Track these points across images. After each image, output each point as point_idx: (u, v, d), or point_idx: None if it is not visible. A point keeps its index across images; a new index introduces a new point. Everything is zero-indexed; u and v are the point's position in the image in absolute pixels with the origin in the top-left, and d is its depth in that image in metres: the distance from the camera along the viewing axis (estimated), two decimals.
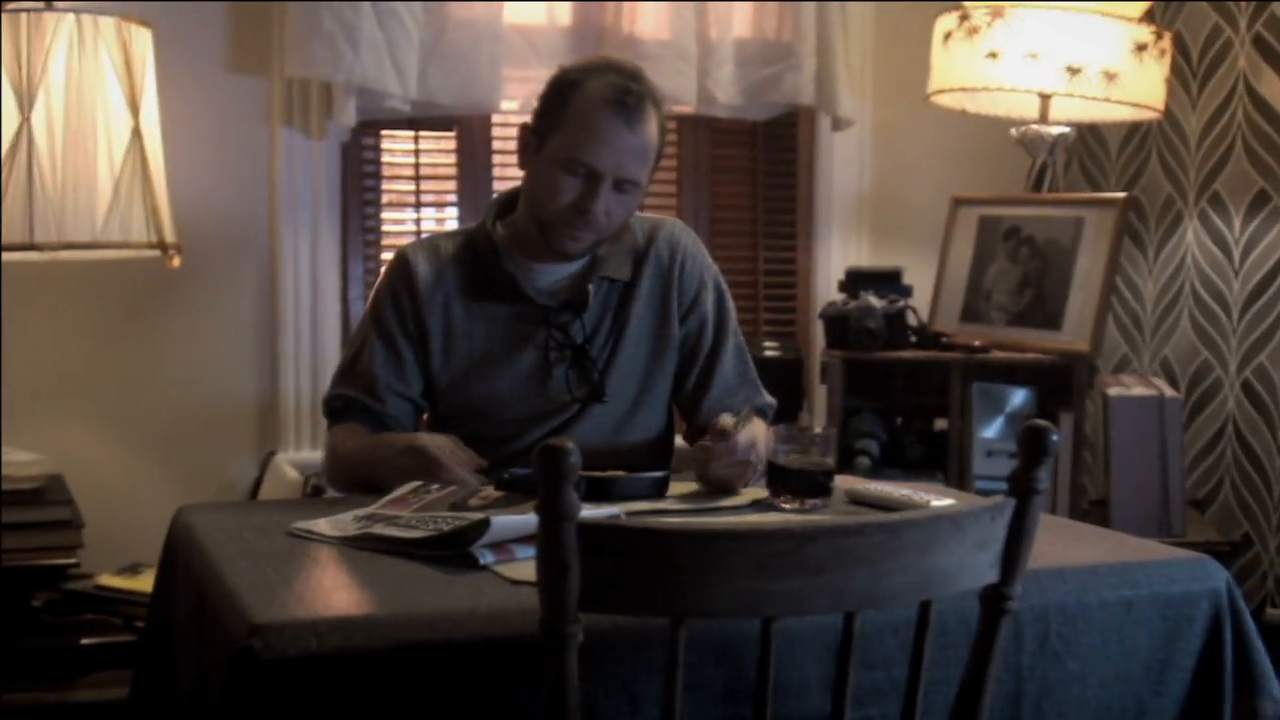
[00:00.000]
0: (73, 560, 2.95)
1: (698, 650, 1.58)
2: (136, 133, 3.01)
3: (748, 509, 2.15)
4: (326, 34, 3.36)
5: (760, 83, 3.82)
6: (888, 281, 3.65)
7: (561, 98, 2.37)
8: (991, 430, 3.46)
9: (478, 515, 1.83)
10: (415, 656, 1.50)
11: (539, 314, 2.46)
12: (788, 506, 2.14)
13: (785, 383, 3.60)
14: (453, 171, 3.83)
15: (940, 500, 2.13)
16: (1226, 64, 3.75)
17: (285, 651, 1.47)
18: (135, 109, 3.01)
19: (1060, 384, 3.47)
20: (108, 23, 2.98)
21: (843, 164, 4.04)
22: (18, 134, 2.90)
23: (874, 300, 3.49)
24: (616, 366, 2.49)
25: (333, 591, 1.65)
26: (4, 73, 2.91)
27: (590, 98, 2.34)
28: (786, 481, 2.16)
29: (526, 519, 1.74)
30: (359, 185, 3.75)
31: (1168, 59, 3.51)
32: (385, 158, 3.81)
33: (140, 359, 3.48)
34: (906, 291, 3.62)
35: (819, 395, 3.79)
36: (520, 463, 2.24)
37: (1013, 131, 3.67)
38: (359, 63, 3.39)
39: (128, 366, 3.48)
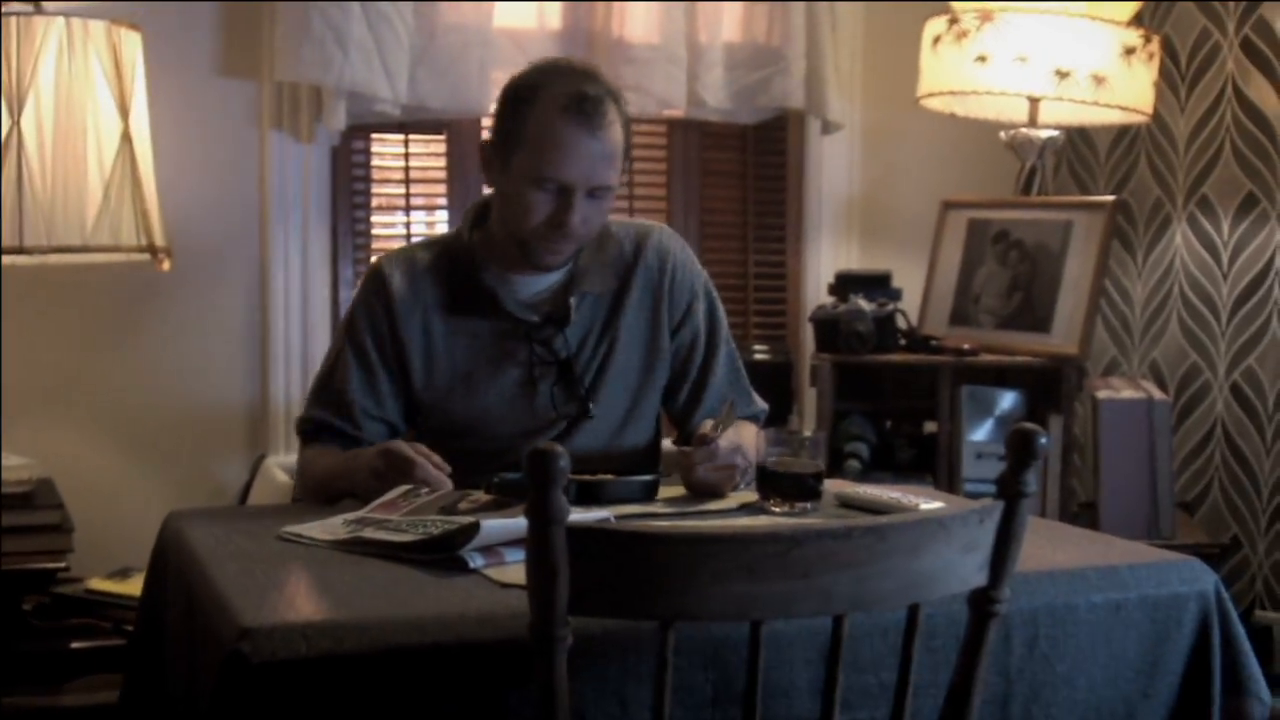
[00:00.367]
0: (63, 564, 2.94)
1: (687, 653, 1.58)
2: (126, 136, 3.01)
3: (737, 512, 2.16)
4: (316, 37, 3.36)
5: (750, 86, 3.83)
6: (877, 285, 3.65)
7: (519, 113, 2.30)
8: (981, 433, 3.46)
9: (467, 519, 1.83)
10: (405, 660, 1.50)
11: (521, 329, 2.41)
12: (777, 510, 2.14)
13: (775, 386, 3.60)
14: (443, 175, 3.83)
15: (929, 503, 2.13)
16: (1215, 67, 3.76)
17: (275, 655, 1.47)
18: (125, 112, 3.01)
19: (1049, 387, 3.47)
20: (97, 26, 2.98)
21: (832, 167, 4.04)
22: (7, 137, 2.90)
23: (864, 303, 3.49)
24: (606, 381, 2.45)
25: (322, 595, 1.65)
26: None
27: (548, 110, 2.27)
28: (776, 485, 2.16)
29: (516, 522, 1.74)
30: (349, 189, 3.75)
31: (1156, 62, 3.52)
32: (375, 161, 3.81)
33: (130, 362, 3.48)
34: (896, 295, 3.62)
35: (809, 398, 3.80)
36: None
37: (1002, 135, 3.68)
38: (349, 66, 3.39)
39: (118, 370, 3.47)
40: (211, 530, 2.01)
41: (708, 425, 2.23)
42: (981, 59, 3.45)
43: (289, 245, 3.57)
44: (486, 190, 2.51)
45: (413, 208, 3.84)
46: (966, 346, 3.50)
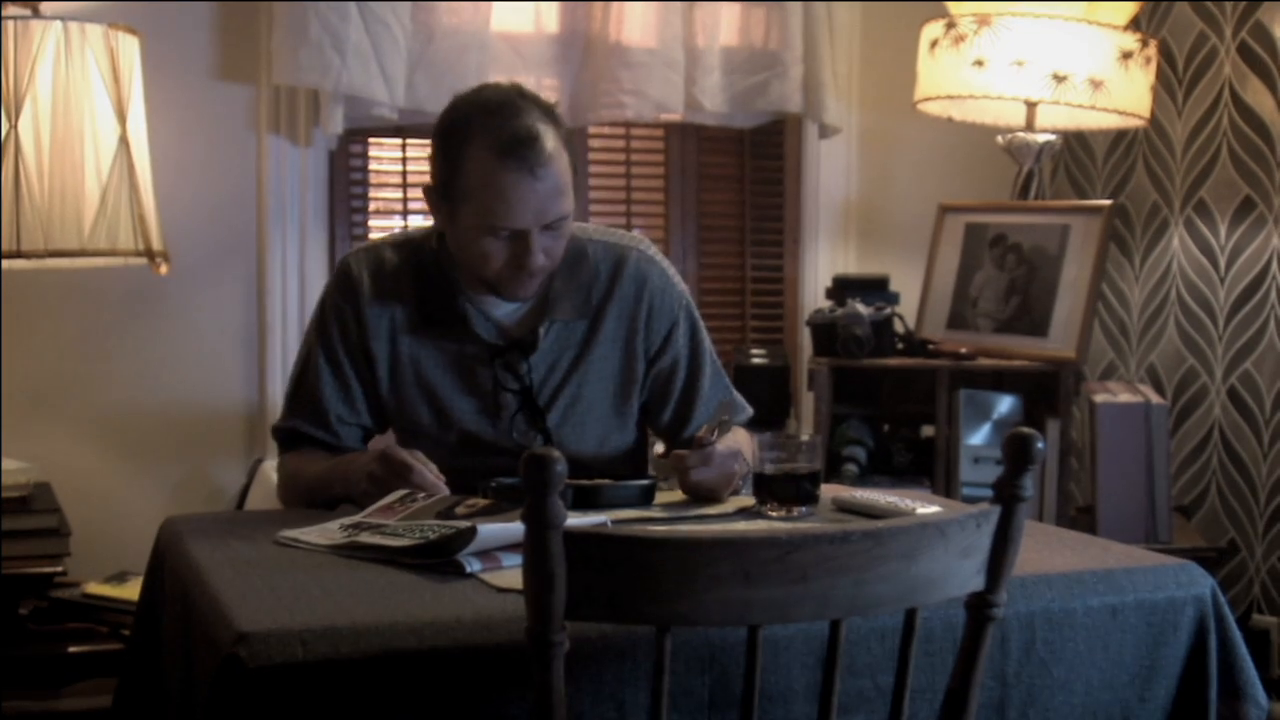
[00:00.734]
0: (59, 568, 2.94)
1: (684, 658, 1.58)
2: (123, 140, 3.01)
3: (734, 517, 2.15)
4: (314, 42, 3.37)
5: (747, 90, 3.83)
6: (875, 289, 3.66)
7: (454, 163, 2.22)
8: (978, 437, 3.46)
9: (464, 523, 1.83)
10: (402, 665, 1.50)
11: (485, 354, 2.35)
12: (774, 514, 2.14)
13: (772, 390, 3.61)
14: None
15: (926, 507, 2.13)
16: (1212, 71, 3.76)
17: (271, 660, 1.47)
18: (122, 117, 3.01)
19: (1047, 391, 3.47)
20: (95, 30, 2.98)
21: (829, 171, 4.05)
22: (5, 141, 2.90)
23: (861, 307, 3.49)
24: (576, 412, 2.39)
25: (319, 600, 1.65)
26: None
27: (484, 159, 2.18)
28: (773, 489, 2.16)
29: (513, 527, 1.74)
30: (346, 193, 3.75)
31: (1153, 66, 3.52)
32: (372, 165, 3.81)
33: (128, 366, 3.48)
34: (893, 299, 3.62)
35: (806, 402, 3.80)
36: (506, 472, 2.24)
37: (999, 139, 3.68)
38: (346, 70, 3.39)
39: (115, 374, 3.47)
40: (208, 535, 2.01)
41: (704, 430, 2.22)
42: (979, 63, 3.45)
43: (286, 249, 3.58)
44: None
45: (410, 212, 3.85)
46: (964, 350, 3.50)
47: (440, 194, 2.27)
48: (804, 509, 2.15)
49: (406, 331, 2.36)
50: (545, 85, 3.71)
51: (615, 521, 1.97)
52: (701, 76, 3.75)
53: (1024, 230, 3.62)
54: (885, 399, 3.66)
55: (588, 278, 2.38)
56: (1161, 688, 1.87)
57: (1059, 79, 3.41)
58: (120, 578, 3.07)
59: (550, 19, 3.71)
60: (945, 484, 3.45)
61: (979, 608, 1.58)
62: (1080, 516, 3.57)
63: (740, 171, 4.11)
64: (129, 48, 3.06)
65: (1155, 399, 3.42)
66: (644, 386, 2.45)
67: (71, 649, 2.93)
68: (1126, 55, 3.44)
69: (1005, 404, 3.49)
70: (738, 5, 3.84)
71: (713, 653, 1.61)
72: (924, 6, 3.73)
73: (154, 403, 3.50)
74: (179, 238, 3.32)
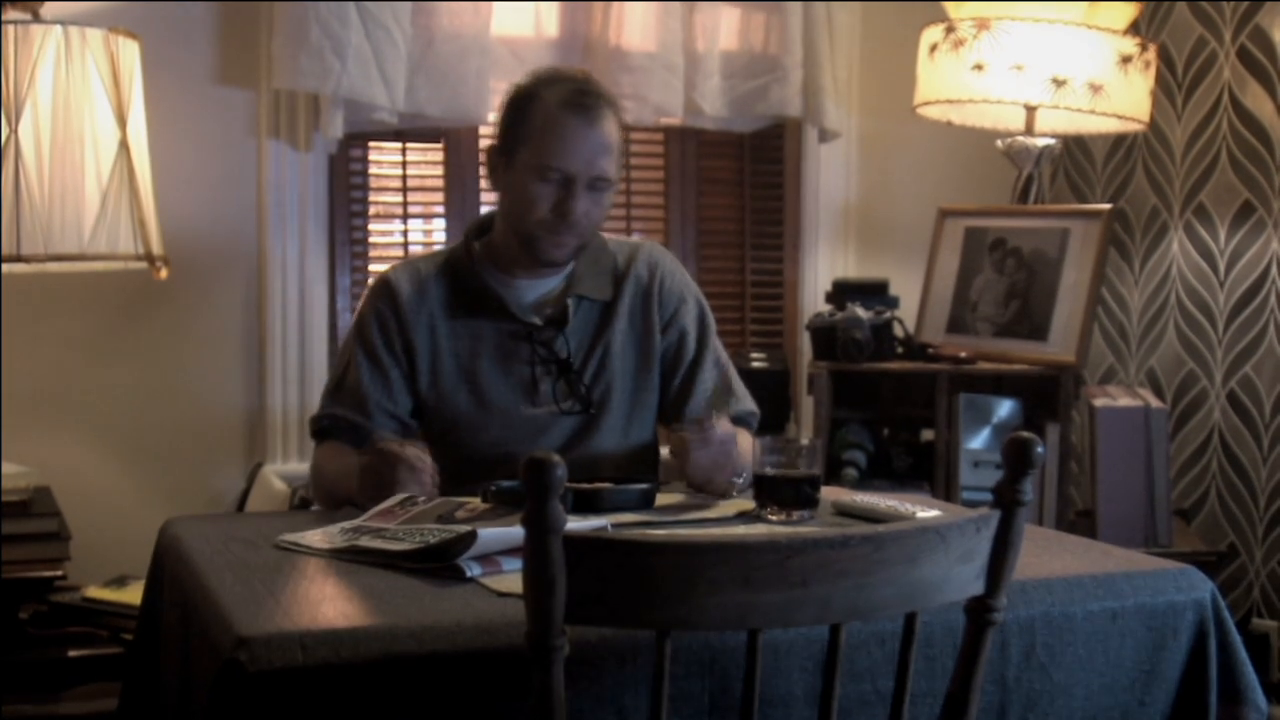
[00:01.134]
0: (59, 572, 2.94)
1: (684, 662, 1.58)
2: (124, 144, 3.01)
3: (734, 521, 2.16)
4: (314, 46, 3.37)
5: (747, 95, 3.83)
6: (874, 293, 3.66)
7: (520, 113, 2.42)
8: (978, 441, 3.46)
9: (465, 527, 1.83)
10: (402, 669, 1.50)
11: (523, 330, 2.49)
12: (774, 518, 2.14)
13: (772, 394, 3.61)
14: (440, 183, 3.83)
15: (926, 511, 2.13)
16: (1211, 76, 3.76)
17: (271, 664, 1.47)
18: (122, 121, 3.01)
19: (1046, 395, 3.47)
20: (95, 34, 2.98)
21: (829, 176, 4.05)
22: (5, 146, 2.90)
23: (861, 311, 3.50)
24: (603, 382, 2.51)
25: (319, 604, 1.65)
26: None
27: (548, 105, 2.39)
28: (773, 493, 2.16)
29: (513, 531, 1.74)
30: (346, 197, 3.75)
31: (1153, 71, 3.52)
32: (372, 169, 3.81)
33: (127, 370, 3.48)
34: (893, 303, 3.63)
35: (806, 406, 3.80)
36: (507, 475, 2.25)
37: (998, 143, 3.68)
38: (346, 75, 3.39)
39: (115, 378, 3.47)
40: (208, 538, 2.01)
41: (703, 411, 2.26)
42: (978, 67, 3.46)
43: (286, 253, 3.58)
44: (484, 208, 2.51)
45: (410, 216, 3.85)
46: (963, 354, 3.50)
47: (500, 149, 2.46)
48: (804, 513, 2.15)
49: (443, 320, 2.49)
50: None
51: (615, 526, 1.97)
52: (701, 80, 3.75)
53: (1024, 234, 3.62)
54: (885, 403, 3.66)
55: (608, 263, 2.56)
56: (1161, 692, 1.87)
57: (1058, 83, 3.41)
58: (120, 582, 3.07)
59: (550, 23, 3.72)
60: (945, 488, 3.45)
61: (979, 612, 1.58)
62: (1080, 521, 3.57)
63: (740, 175, 4.11)
64: (129, 52, 3.07)
65: (1155, 403, 3.42)
66: (660, 359, 2.57)
67: (71, 653, 2.93)
68: (1126, 59, 3.44)
69: (1005, 408, 3.49)
70: (737, 9, 3.85)
71: (713, 657, 1.61)
72: (924, 10, 3.74)
73: (154, 407, 3.50)
74: (179, 242, 3.32)
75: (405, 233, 3.84)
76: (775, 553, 1.42)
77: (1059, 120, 3.66)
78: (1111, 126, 3.65)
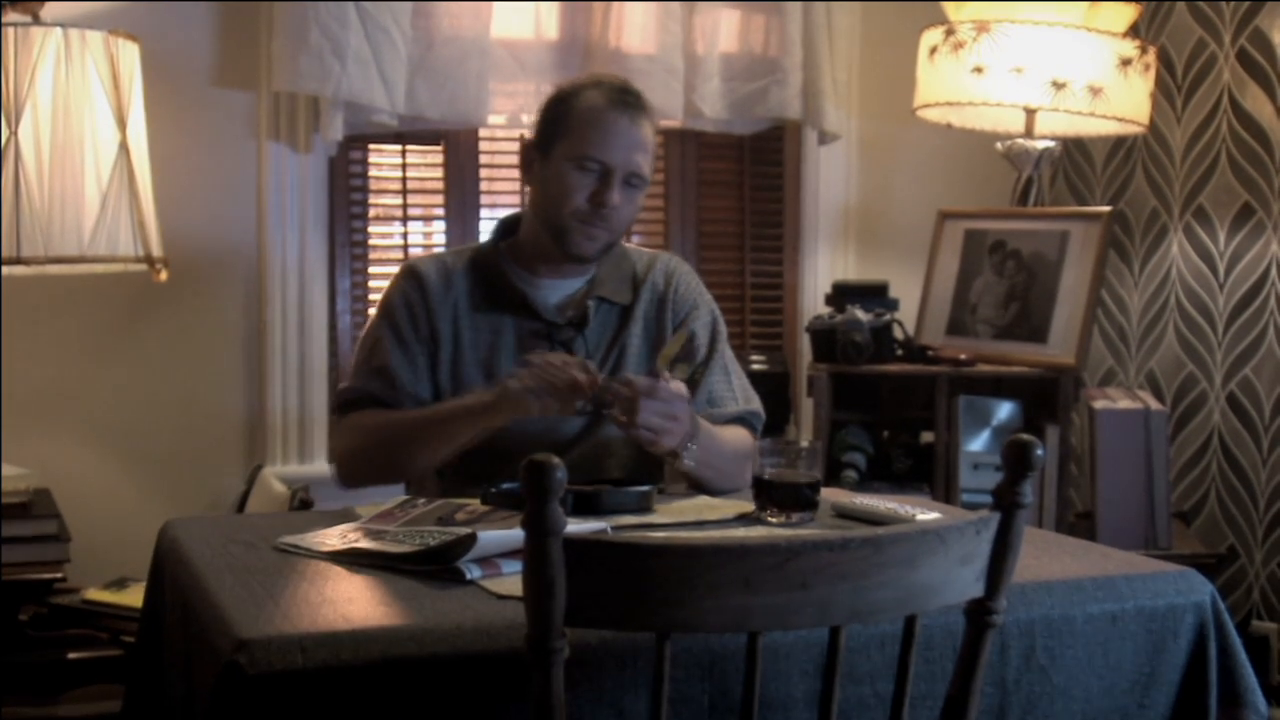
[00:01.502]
0: (59, 574, 2.94)
1: (684, 665, 1.58)
2: (123, 147, 3.01)
3: (734, 523, 2.16)
4: (314, 48, 3.37)
5: (746, 97, 3.83)
6: (874, 295, 3.66)
7: (563, 106, 2.49)
8: (977, 443, 3.46)
9: (464, 530, 1.84)
10: (401, 671, 1.50)
11: (543, 329, 2.53)
12: (774, 520, 2.14)
13: (772, 396, 3.60)
14: (440, 185, 3.83)
15: (926, 514, 2.13)
16: (1211, 78, 3.76)
17: (271, 667, 1.47)
18: (122, 123, 3.02)
19: (1046, 397, 3.47)
20: (95, 37, 2.98)
21: (829, 178, 4.05)
22: (5, 147, 2.90)
23: (860, 314, 3.50)
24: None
25: (319, 606, 1.65)
26: None
27: (592, 99, 2.46)
28: (773, 495, 2.16)
29: (513, 534, 1.74)
30: (346, 199, 3.75)
31: (1152, 73, 3.52)
32: (372, 171, 3.81)
33: (127, 372, 3.48)
34: (893, 305, 3.63)
35: (805, 409, 3.80)
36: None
37: (998, 145, 3.68)
38: (346, 77, 3.39)
39: (115, 380, 3.47)
40: (208, 540, 2.01)
41: (660, 360, 2.30)
42: (978, 70, 3.46)
43: (286, 255, 3.58)
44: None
45: (410, 218, 3.85)
46: (963, 356, 3.50)
47: (537, 144, 2.52)
48: (803, 515, 2.15)
49: (468, 314, 2.53)
50: (545, 91, 3.69)
51: (615, 528, 1.97)
52: (701, 83, 3.75)
53: (1023, 236, 3.63)
54: (885, 405, 3.66)
55: (628, 269, 2.61)
56: (1161, 694, 1.87)
57: (1058, 86, 3.41)
58: (120, 584, 3.07)
59: (550, 25, 3.72)
60: (945, 490, 3.45)
61: (978, 614, 1.58)
62: (1079, 523, 3.57)
63: (739, 178, 4.11)
64: (129, 54, 3.07)
65: (1154, 405, 3.42)
66: None
67: (71, 655, 2.93)
68: (1125, 62, 3.44)
69: (1004, 410, 3.49)
70: (737, 11, 3.85)
71: (713, 659, 1.61)
72: (923, 13, 3.74)
73: (154, 409, 3.50)
74: (179, 244, 3.32)
75: (405, 235, 3.84)
76: (775, 555, 1.42)
77: (1059, 123, 3.66)
78: (1111, 129, 3.65)
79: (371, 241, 3.79)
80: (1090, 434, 3.47)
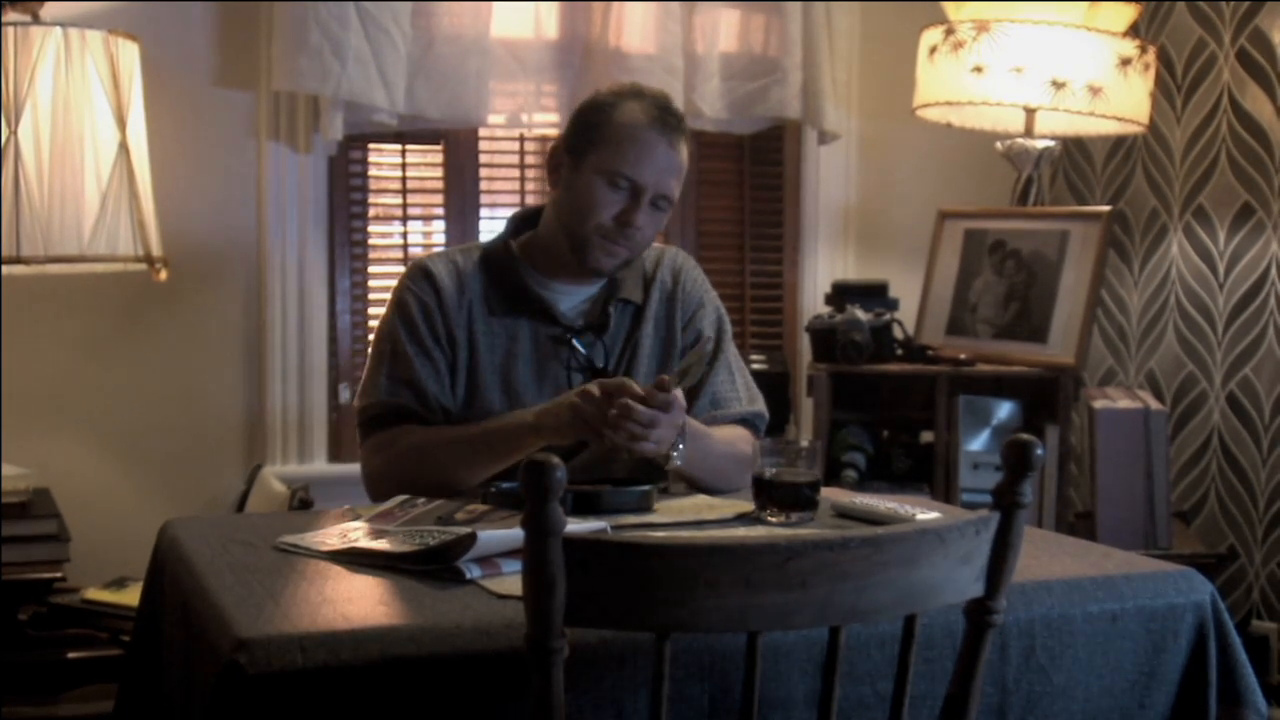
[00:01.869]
0: (59, 574, 2.94)
1: (684, 665, 1.58)
2: (123, 146, 3.01)
3: (734, 523, 2.16)
4: (314, 48, 3.37)
5: (746, 96, 3.83)
6: (874, 294, 3.66)
7: (601, 115, 2.42)
8: (977, 443, 3.46)
9: (464, 529, 1.83)
10: (401, 671, 1.50)
11: (560, 334, 2.47)
12: (773, 520, 2.14)
13: (772, 396, 3.59)
14: (440, 185, 3.83)
15: (926, 513, 2.13)
16: (1211, 77, 3.76)
17: (271, 666, 1.47)
18: (122, 122, 3.02)
19: (1046, 397, 3.48)
20: (95, 36, 2.98)
21: (829, 177, 4.05)
22: (5, 147, 2.90)
23: (860, 313, 3.50)
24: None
25: (319, 606, 1.65)
26: None
27: (633, 115, 2.40)
28: (772, 495, 2.16)
29: (512, 533, 1.74)
30: (346, 199, 3.75)
31: (1152, 73, 3.52)
32: (372, 171, 3.81)
33: (127, 372, 3.48)
34: (893, 304, 3.63)
35: (805, 408, 3.80)
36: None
37: (998, 145, 3.68)
38: (346, 76, 3.39)
39: (115, 380, 3.47)
40: (207, 540, 2.00)
41: (676, 376, 2.24)
42: (978, 69, 3.46)
43: (286, 255, 3.58)
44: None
45: (410, 218, 3.85)
46: (963, 356, 3.51)
47: (569, 147, 2.45)
48: (803, 515, 2.15)
49: (482, 319, 2.46)
50: (545, 91, 3.72)
51: (615, 527, 1.97)
52: (701, 82, 3.75)
53: (1023, 236, 3.63)
54: (884, 405, 3.66)
55: (639, 267, 2.56)
56: (1161, 694, 1.87)
57: (1058, 85, 3.41)
58: (120, 583, 3.07)
59: (550, 25, 3.72)
60: (944, 490, 3.45)
61: (978, 614, 1.58)
62: (1079, 522, 3.57)
63: (739, 177, 4.11)
64: (129, 54, 3.07)
65: (1154, 405, 3.42)
66: (679, 357, 2.55)
67: (71, 655, 2.94)
68: (1125, 61, 3.44)
69: (1004, 410, 3.49)
70: (737, 11, 3.85)
71: (712, 659, 1.61)
72: (923, 12, 3.74)
73: (154, 409, 3.50)
74: (178, 244, 3.32)
75: (405, 234, 3.84)
76: (775, 555, 1.42)
77: (1058, 122, 3.66)
78: (1111, 128, 3.65)
79: (371, 241, 3.79)
80: (1090, 434, 3.47)
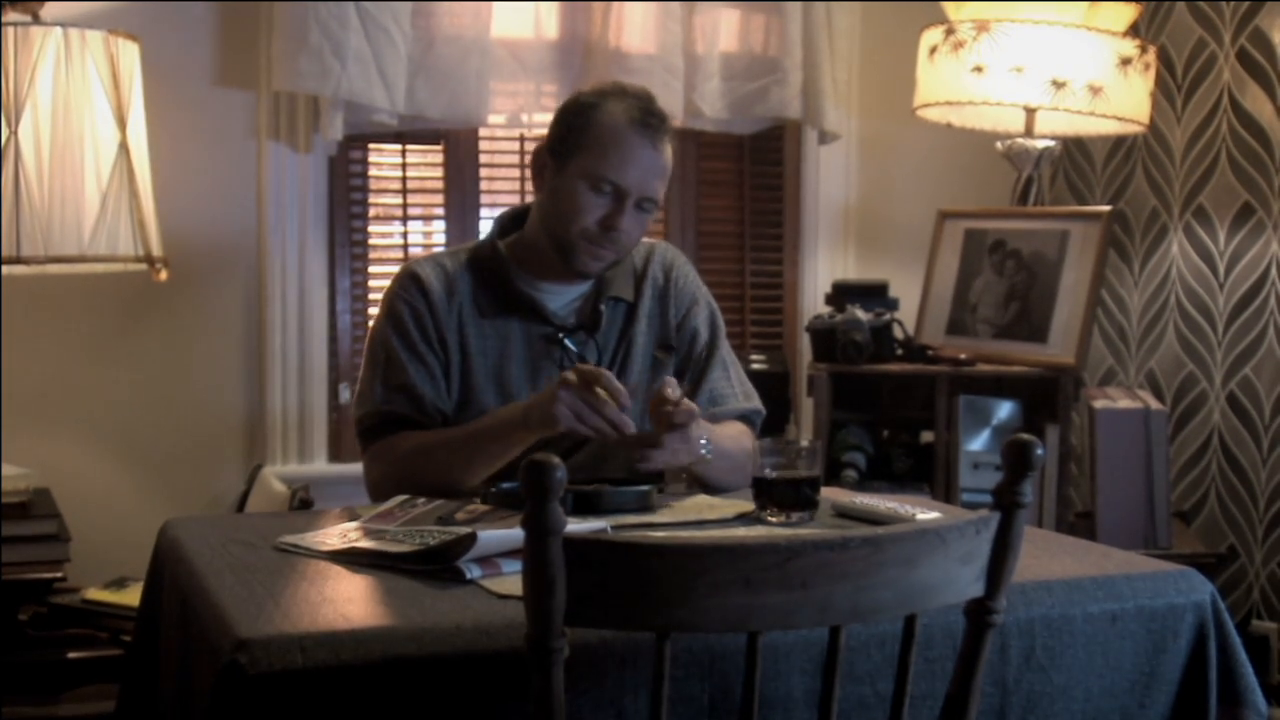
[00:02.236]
0: (59, 574, 2.94)
1: (684, 665, 1.58)
2: (123, 146, 3.01)
3: (734, 522, 2.16)
4: (314, 48, 3.37)
5: (746, 96, 3.83)
6: (874, 294, 3.66)
7: (583, 119, 2.40)
8: (977, 443, 3.46)
9: (464, 529, 1.83)
10: (401, 671, 1.50)
11: (552, 334, 2.47)
12: (773, 520, 2.14)
13: (772, 396, 3.61)
14: (440, 185, 3.83)
15: (926, 513, 2.13)
16: (1211, 77, 3.76)
17: (271, 666, 1.47)
18: (122, 122, 3.02)
19: (1046, 397, 3.47)
20: (95, 36, 2.98)
21: (829, 177, 4.05)
22: (5, 147, 2.90)
23: (860, 313, 3.50)
24: (625, 382, 2.44)
25: (319, 606, 1.65)
26: None
27: (615, 117, 2.38)
28: (773, 495, 2.16)
29: (513, 533, 1.74)
30: (346, 199, 3.75)
31: (1152, 72, 3.52)
32: (372, 171, 3.81)
33: (127, 372, 3.48)
34: (893, 304, 3.63)
35: (805, 408, 3.80)
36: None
37: (998, 145, 3.68)
38: (346, 76, 3.39)
39: (115, 380, 3.47)
40: (208, 539, 2.00)
41: (668, 390, 2.22)
42: (978, 69, 3.46)
43: (286, 255, 3.58)
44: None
45: (410, 218, 3.85)
46: (963, 356, 3.50)
47: (553, 150, 2.43)
48: (803, 515, 2.15)
49: (473, 321, 2.45)
50: (545, 91, 3.72)
51: (615, 527, 1.97)
52: (701, 82, 3.75)
53: (1023, 236, 3.63)
54: (885, 405, 3.66)
55: (629, 264, 2.55)
56: (1161, 694, 1.87)
57: (1058, 85, 3.41)
58: (120, 583, 3.07)
59: (550, 25, 3.72)
60: (945, 490, 3.45)
61: (978, 614, 1.58)
62: (1079, 522, 3.57)
63: (740, 177, 4.11)
64: (129, 54, 3.07)
65: (1154, 405, 3.42)
66: (675, 355, 2.56)
67: (71, 655, 2.94)
68: (1125, 61, 3.44)
69: (1004, 410, 3.49)
70: (737, 11, 3.85)
71: (712, 659, 1.61)
72: (923, 12, 3.74)
73: (154, 409, 3.50)
74: (179, 244, 3.32)
75: (405, 234, 3.84)
76: (775, 555, 1.42)
77: (1059, 122, 3.66)
78: (1111, 128, 3.65)
79: (371, 241, 3.79)
80: (1090, 434, 3.47)
